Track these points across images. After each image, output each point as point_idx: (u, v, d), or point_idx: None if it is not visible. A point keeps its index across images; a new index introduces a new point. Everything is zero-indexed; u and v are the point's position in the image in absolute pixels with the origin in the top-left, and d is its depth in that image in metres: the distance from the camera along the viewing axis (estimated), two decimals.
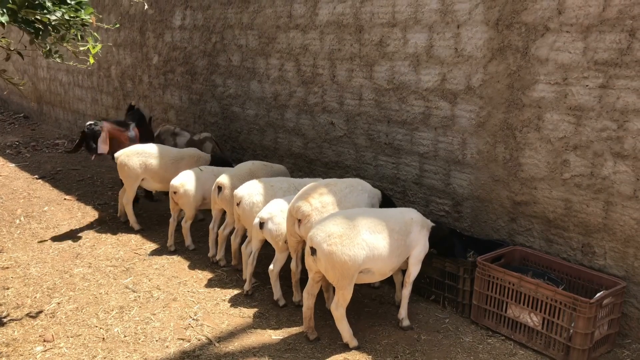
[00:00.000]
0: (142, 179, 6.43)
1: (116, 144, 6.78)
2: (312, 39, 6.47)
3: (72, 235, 6.60)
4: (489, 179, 4.98)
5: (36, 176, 9.40)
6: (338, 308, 4.08)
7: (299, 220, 4.42)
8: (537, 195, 4.66)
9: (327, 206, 4.44)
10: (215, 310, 4.77)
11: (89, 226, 6.90)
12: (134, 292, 5.11)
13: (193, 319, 4.61)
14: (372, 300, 5.00)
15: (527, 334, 4.20)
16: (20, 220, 7.18)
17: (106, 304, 4.89)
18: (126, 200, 6.57)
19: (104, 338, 4.34)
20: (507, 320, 4.31)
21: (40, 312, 4.76)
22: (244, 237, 5.45)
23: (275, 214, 4.74)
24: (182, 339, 4.32)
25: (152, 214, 7.39)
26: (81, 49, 4.33)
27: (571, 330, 3.91)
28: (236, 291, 5.12)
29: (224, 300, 4.96)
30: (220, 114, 8.25)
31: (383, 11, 5.62)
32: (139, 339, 4.32)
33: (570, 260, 4.51)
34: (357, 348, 4.16)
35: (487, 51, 4.81)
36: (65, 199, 8.13)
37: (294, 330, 4.45)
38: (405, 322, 4.46)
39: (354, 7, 5.89)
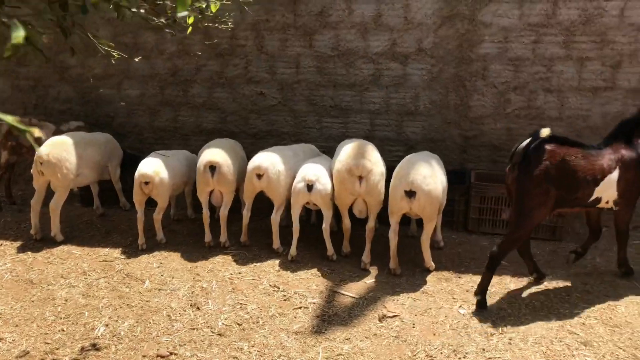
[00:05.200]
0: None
1: None
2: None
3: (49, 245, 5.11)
4: (442, 123, 6.17)
5: None
6: (428, 238, 4.76)
7: (360, 178, 4.82)
8: (484, 129, 6.09)
9: (379, 161, 4.96)
10: (287, 279, 4.76)
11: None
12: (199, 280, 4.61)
13: (281, 291, 4.56)
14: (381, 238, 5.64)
15: None
16: None
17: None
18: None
19: (219, 334, 3.99)
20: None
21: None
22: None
23: (320, 175, 4.97)
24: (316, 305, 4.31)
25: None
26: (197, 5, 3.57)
27: None
28: (275, 261, 5.10)
29: (277, 270, 4.94)
30: (77, 99, 7.14)
31: None
32: (263, 324, 4.12)
33: None
34: (435, 269, 4.92)
35: (437, 19, 5.93)
36: None
37: (373, 273, 4.88)
38: (442, 243, 5.39)
39: None
